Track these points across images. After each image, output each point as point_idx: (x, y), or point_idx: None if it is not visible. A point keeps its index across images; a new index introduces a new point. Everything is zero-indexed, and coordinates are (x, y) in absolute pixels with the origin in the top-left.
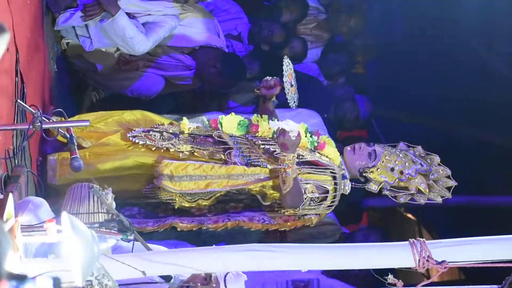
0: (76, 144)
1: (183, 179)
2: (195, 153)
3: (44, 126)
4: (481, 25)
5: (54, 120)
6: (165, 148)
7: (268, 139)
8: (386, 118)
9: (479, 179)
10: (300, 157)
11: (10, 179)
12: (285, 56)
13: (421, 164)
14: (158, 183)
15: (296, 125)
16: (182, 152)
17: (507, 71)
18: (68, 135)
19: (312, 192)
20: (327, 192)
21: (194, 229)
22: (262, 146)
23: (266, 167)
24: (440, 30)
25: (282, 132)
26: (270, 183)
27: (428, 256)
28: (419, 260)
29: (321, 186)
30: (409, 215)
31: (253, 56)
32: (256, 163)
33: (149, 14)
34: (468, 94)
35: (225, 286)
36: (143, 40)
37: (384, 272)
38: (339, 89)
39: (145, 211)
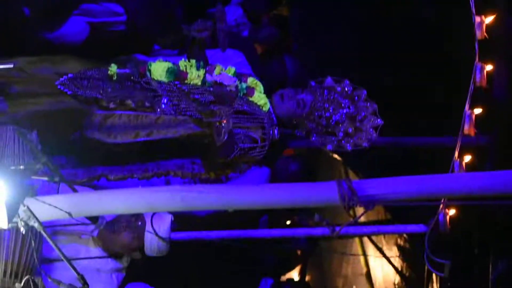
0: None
1: (111, 130)
2: (125, 102)
3: None
4: None
5: None
6: (93, 98)
7: (197, 87)
8: (311, 64)
9: (404, 121)
10: None
11: None
12: (218, 4)
13: (348, 107)
14: (88, 134)
15: (233, 79)
16: (111, 102)
17: (429, 14)
18: None
19: (242, 142)
20: (256, 141)
21: (124, 179)
22: (191, 95)
23: (196, 117)
24: None
25: (220, 85)
26: (199, 132)
27: (354, 195)
28: (344, 200)
29: (250, 135)
30: (335, 155)
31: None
32: (185, 112)
33: None
34: (393, 38)
35: (152, 225)
36: None
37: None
38: (263, 30)
39: (73, 159)
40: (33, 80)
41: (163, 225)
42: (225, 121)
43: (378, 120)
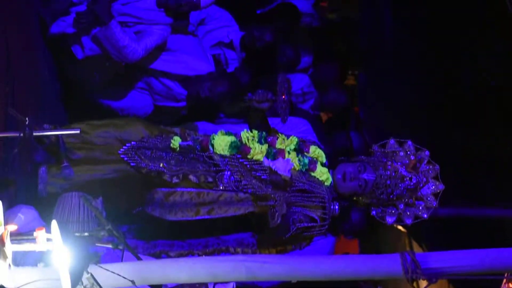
0: (66, 152)
1: (172, 207)
2: (187, 178)
3: (35, 134)
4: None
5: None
6: (156, 172)
7: (259, 162)
8: (377, 127)
9: (471, 188)
10: (292, 185)
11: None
12: (282, 73)
13: (410, 179)
14: (148, 210)
15: (289, 165)
16: (175, 175)
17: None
18: (59, 144)
19: (300, 222)
20: (315, 220)
21: (184, 255)
22: (253, 173)
23: (256, 194)
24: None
25: (275, 173)
26: (258, 211)
27: (418, 268)
28: (408, 272)
29: (308, 215)
30: (400, 227)
31: (245, 64)
32: (246, 190)
33: (141, 23)
34: (461, 100)
35: None
36: (135, 49)
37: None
38: (330, 95)
39: (134, 230)
40: (97, 147)
41: None
42: (278, 206)
43: (440, 185)
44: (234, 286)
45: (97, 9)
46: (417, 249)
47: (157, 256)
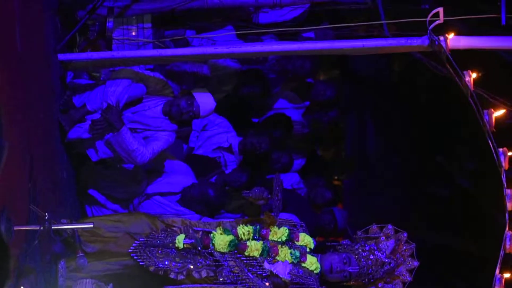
0: (81, 244)
1: None
2: (191, 274)
3: (53, 227)
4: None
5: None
6: (163, 270)
7: (255, 258)
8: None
9: (440, 280)
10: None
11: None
12: (277, 174)
13: (389, 263)
14: None
15: (287, 268)
16: (179, 273)
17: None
18: (74, 236)
19: None
20: None
21: None
22: (250, 268)
23: None
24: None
25: (276, 276)
26: None
27: None
28: None
29: None
30: None
31: (242, 166)
32: (244, 283)
33: (148, 130)
34: (433, 204)
35: None
36: (143, 153)
37: None
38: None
39: None
40: (108, 239)
41: None
42: None
43: (415, 262)
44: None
45: (109, 117)
46: None
47: None
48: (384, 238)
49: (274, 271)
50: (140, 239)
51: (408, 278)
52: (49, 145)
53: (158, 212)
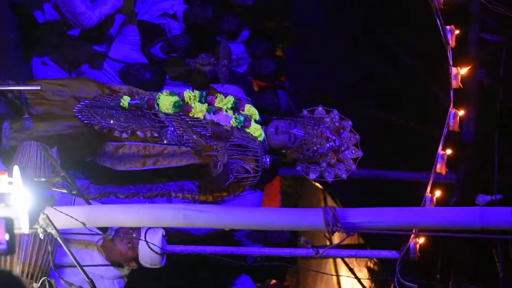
0: (27, 106)
1: (122, 159)
2: (136, 133)
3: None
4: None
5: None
6: (107, 128)
7: (199, 120)
8: (303, 99)
9: (383, 156)
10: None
11: None
12: (223, 40)
13: (334, 141)
14: (100, 162)
15: (229, 118)
16: (124, 131)
17: (410, 61)
18: (21, 98)
19: (237, 172)
20: (249, 172)
21: (131, 197)
22: (194, 128)
23: (197, 150)
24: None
25: (217, 125)
26: (198, 163)
27: (338, 222)
28: (329, 225)
29: (244, 166)
30: (317, 184)
31: (186, 34)
32: (188, 144)
33: None
34: (375, 80)
35: (145, 237)
36: (90, 16)
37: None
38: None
39: (87, 175)
40: (54, 103)
41: (156, 237)
42: (221, 155)
43: (359, 152)
44: (164, 232)
45: None
46: (331, 204)
47: (107, 196)
48: (329, 119)
49: (216, 120)
50: (86, 102)
51: (352, 166)
52: None
53: (102, 80)
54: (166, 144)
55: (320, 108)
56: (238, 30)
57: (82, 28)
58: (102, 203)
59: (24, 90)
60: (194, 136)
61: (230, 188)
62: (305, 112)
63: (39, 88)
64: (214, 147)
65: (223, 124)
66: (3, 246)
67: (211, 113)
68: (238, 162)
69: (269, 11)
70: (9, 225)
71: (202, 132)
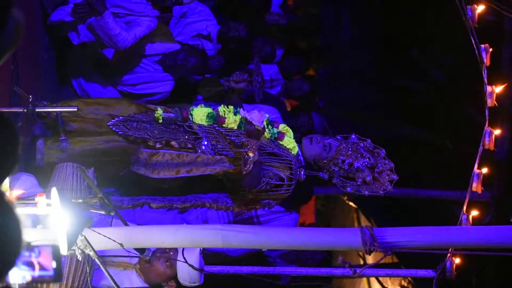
0: (64, 126)
1: (155, 166)
2: (170, 143)
3: (37, 109)
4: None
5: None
6: (141, 139)
7: (234, 130)
8: (336, 119)
9: (415, 174)
10: (262, 148)
11: None
12: (255, 57)
13: (369, 158)
14: (134, 169)
15: (262, 117)
16: (158, 141)
17: (445, 79)
18: (57, 119)
19: (270, 178)
20: (283, 180)
21: (165, 207)
22: (228, 137)
23: (231, 156)
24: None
25: (249, 123)
26: (233, 170)
27: (375, 241)
28: (366, 245)
29: (278, 174)
30: (351, 203)
31: (220, 54)
32: (222, 152)
33: (131, 15)
34: (409, 98)
35: (183, 254)
36: (125, 38)
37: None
38: (294, 86)
39: (121, 189)
40: (89, 120)
41: (193, 255)
42: (251, 152)
43: (394, 175)
44: (201, 249)
45: (92, 1)
46: (364, 223)
47: (141, 206)
48: (362, 145)
49: (249, 118)
50: (120, 117)
51: (388, 186)
52: (31, 27)
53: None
54: (200, 152)
55: (353, 136)
56: (272, 55)
57: (117, 49)
58: (135, 213)
59: (61, 111)
60: (228, 145)
61: (263, 196)
62: (338, 136)
63: (75, 109)
64: (245, 142)
65: (255, 123)
66: (50, 273)
67: (245, 110)
68: (272, 169)
69: (302, 30)
70: (55, 252)
71: (236, 141)
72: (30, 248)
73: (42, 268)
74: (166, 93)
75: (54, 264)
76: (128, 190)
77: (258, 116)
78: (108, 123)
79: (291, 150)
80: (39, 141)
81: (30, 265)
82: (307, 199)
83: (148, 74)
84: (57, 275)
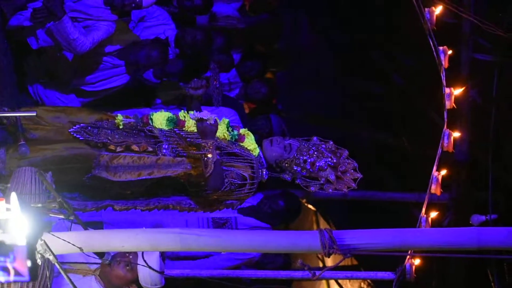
0: (24, 132)
1: (117, 169)
2: (131, 147)
3: None
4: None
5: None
6: (102, 143)
7: (193, 133)
8: (295, 122)
9: (375, 177)
10: (222, 149)
11: None
12: (212, 63)
13: (331, 157)
14: (96, 173)
15: (211, 114)
16: (119, 145)
17: (403, 81)
18: (17, 124)
19: (233, 178)
20: (246, 179)
21: (128, 210)
22: (188, 140)
23: (191, 157)
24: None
25: (201, 120)
26: (194, 171)
27: (334, 244)
28: (325, 247)
29: (240, 174)
30: (310, 206)
31: (179, 58)
32: (183, 154)
33: (89, 19)
34: (368, 101)
35: (143, 257)
36: (83, 42)
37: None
38: (253, 89)
39: (84, 194)
40: (50, 128)
41: (152, 258)
42: (210, 154)
43: (358, 174)
44: (159, 255)
45: (51, 5)
46: (323, 226)
47: (104, 208)
48: (324, 146)
49: (199, 116)
50: (81, 124)
51: (352, 184)
52: None
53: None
54: (160, 155)
55: (315, 138)
56: (231, 61)
57: (75, 53)
58: (99, 216)
59: (19, 116)
60: (189, 147)
61: (226, 197)
62: (299, 139)
63: (34, 114)
64: (203, 144)
65: (206, 118)
66: (26, 278)
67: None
68: (234, 169)
69: (260, 34)
70: (30, 251)
71: (195, 141)
72: (6, 253)
73: (17, 273)
74: (122, 86)
75: (29, 263)
76: (92, 195)
77: (207, 112)
78: (69, 130)
79: (252, 151)
80: (0, 151)
81: (5, 270)
82: (294, 217)
83: (107, 71)
84: (33, 276)
